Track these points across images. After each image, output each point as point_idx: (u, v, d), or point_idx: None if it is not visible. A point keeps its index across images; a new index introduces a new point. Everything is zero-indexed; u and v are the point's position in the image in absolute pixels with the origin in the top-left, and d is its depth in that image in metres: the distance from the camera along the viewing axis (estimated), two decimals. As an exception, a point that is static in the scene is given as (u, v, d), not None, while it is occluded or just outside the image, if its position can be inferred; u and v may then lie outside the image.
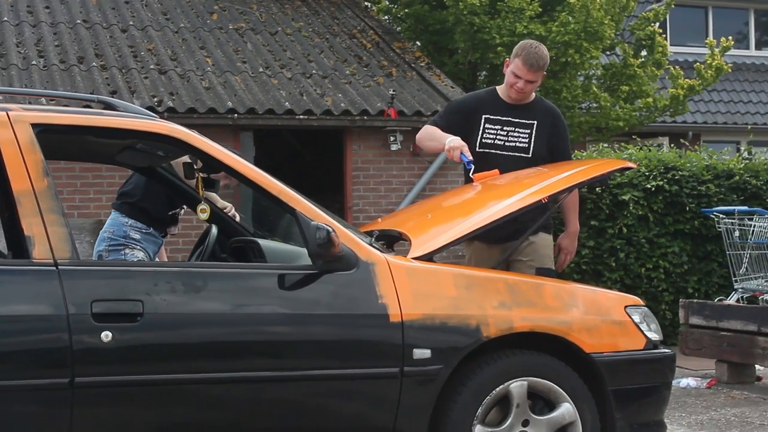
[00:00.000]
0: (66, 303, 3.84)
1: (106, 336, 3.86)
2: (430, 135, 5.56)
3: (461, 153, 5.28)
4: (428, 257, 4.46)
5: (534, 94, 5.63)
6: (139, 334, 3.93)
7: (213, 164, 4.38)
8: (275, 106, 11.61)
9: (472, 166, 5.26)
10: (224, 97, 11.59)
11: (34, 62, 11.72)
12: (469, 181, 5.41)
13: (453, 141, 5.35)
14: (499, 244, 5.39)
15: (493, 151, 5.48)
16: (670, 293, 10.32)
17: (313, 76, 12.59)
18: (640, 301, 4.83)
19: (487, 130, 5.50)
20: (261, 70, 12.50)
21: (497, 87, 5.69)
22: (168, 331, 3.99)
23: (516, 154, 5.48)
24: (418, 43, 14.96)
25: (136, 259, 5.32)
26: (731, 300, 9.48)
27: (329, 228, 4.09)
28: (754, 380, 8.04)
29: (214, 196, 5.63)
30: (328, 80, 12.57)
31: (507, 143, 5.50)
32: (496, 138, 5.50)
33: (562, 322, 4.49)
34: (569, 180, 4.89)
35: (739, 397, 7.39)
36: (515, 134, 5.50)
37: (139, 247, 5.38)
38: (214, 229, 5.29)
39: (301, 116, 11.62)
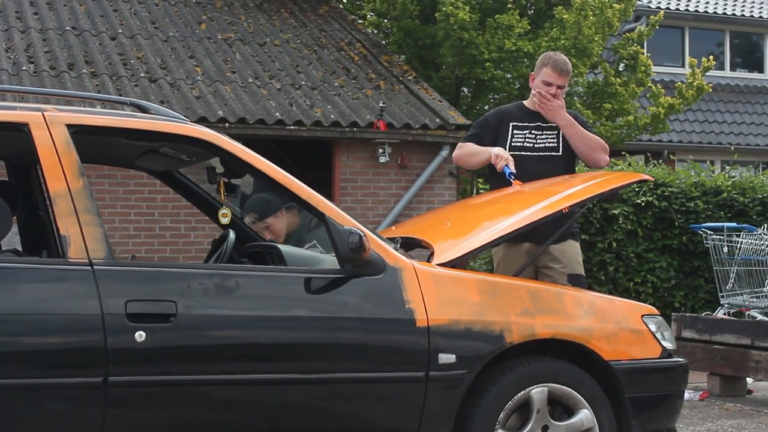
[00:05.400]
0: (101, 302, 3.86)
1: (140, 336, 3.88)
2: (469, 151, 5.71)
3: (506, 165, 5.40)
4: (452, 264, 4.52)
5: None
6: (172, 335, 3.95)
7: (243, 167, 4.43)
8: (266, 116, 11.66)
9: (513, 177, 5.37)
10: (215, 107, 11.63)
11: (24, 68, 11.71)
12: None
13: (500, 151, 5.52)
14: (526, 246, 5.49)
15: (523, 153, 5.63)
16: (657, 308, 10.36)
17: (302, 87, 12.65)
18: (656, 311, 4.91)
19: (515, 135, 5.67)
20: (250, 80, 12.55)
21: (523, 101, 5.86)
22: (200, 332, 4.02)
23: (547, 153, 5.65)
24: (402, 57, 15.04)
25: None
26: (717, 315, 9.59)
27: (361, 232, 4.14)
28: (746, 393, 8.14)
29: None
30: (317, 92, 12.63)
31: (536, 145, 5.66)
32: (525, 141, 5.67)
33: (582, 329, 4.55)
34: (589, 190, 4.98)
35: (733, 410, 7.49)
36: (543, 136, 5.67)
37: None
38: (232, 234, 5.30)
39: (292, 126, 11.68)
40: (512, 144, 5.66)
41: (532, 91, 5.73)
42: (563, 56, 5.76)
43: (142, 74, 12.14)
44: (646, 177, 5.21)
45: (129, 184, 11.03)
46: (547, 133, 5.67)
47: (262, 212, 5.91)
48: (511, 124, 5.69)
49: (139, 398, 3.93)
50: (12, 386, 3.77)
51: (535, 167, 5.48)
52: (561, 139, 5.66)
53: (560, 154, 5.65)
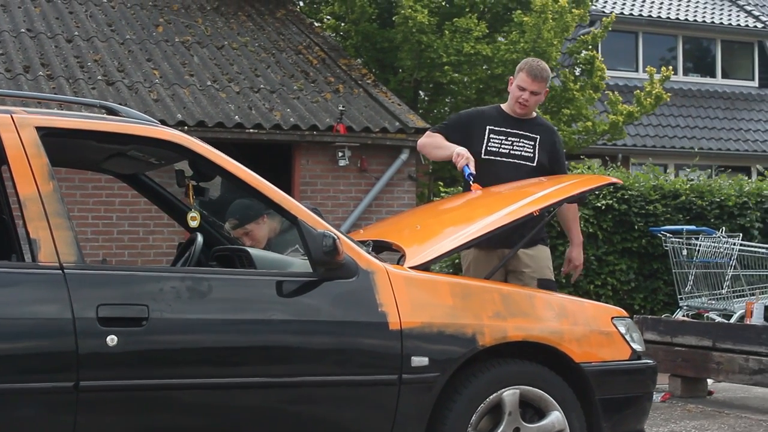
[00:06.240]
0: (72, 306, 3.81)
1: (112, 340, 3.84)
2: (435, 143, 5.69)
3: (466, 164, 5.39)
4: (425, 267, 4.52)
5: (535, 112, 5.80)
6: (145, 339, 3.91)
7: (214, 170, 4.39)
8: (225, 119, 11.60)
9: (472, 179, 5.36)
10: (173, 110, 11.56)
11: (-21, 70, 11.57)
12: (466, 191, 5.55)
13: (463, 151, 5.47)
14: (498, 250, 5.49)
15: (498, 158, 5.63)
16: (617, 310, 10.48)
17: (261, 91, 12.60)
18: (625, 313, 4.93)
19: (492, 140, 5.66)
20: (209, 83, 12.48)
21: (501, 105, 5.85)
22: (172, 335, 3.98)
23: (521, 162, 5.65)
24: (359, 60, 15.05)
25: None
26: (676, 317, 9.68)
27: (334, 236, 4.13)
28: (706, 394, 8.22)
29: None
30: (276, 95, 12.59)
31: (512, 152, 5.65)
32: (501, 146, 5.66)
33: (553, 332, 4.57)
34: (559, 193, 5.00)
35: (695, 411, 7.56)
36: (520, 144, 5.66)
37: None
38: (200, 238, 5.25)
39: (251, 130, 11.64)
40: (488, 148, 5.65)
41: (510, 95, 5.73)
42: (542, 63, 5.75)
43: (99, 77, 12.04)
44: (615, 180, 5.25)
45: (87, 187, 10.92)
46: (525, 141, 5.67)
47: (242, 218, 5.81)
48: (488, 127, 5.68)
49: (111, 403, 3.88)
50: (-18, 392, 3.71)
51: (506, 173, 5.49)
52: (537, 149, 5.67)
53: (534, 164, 5.65)
